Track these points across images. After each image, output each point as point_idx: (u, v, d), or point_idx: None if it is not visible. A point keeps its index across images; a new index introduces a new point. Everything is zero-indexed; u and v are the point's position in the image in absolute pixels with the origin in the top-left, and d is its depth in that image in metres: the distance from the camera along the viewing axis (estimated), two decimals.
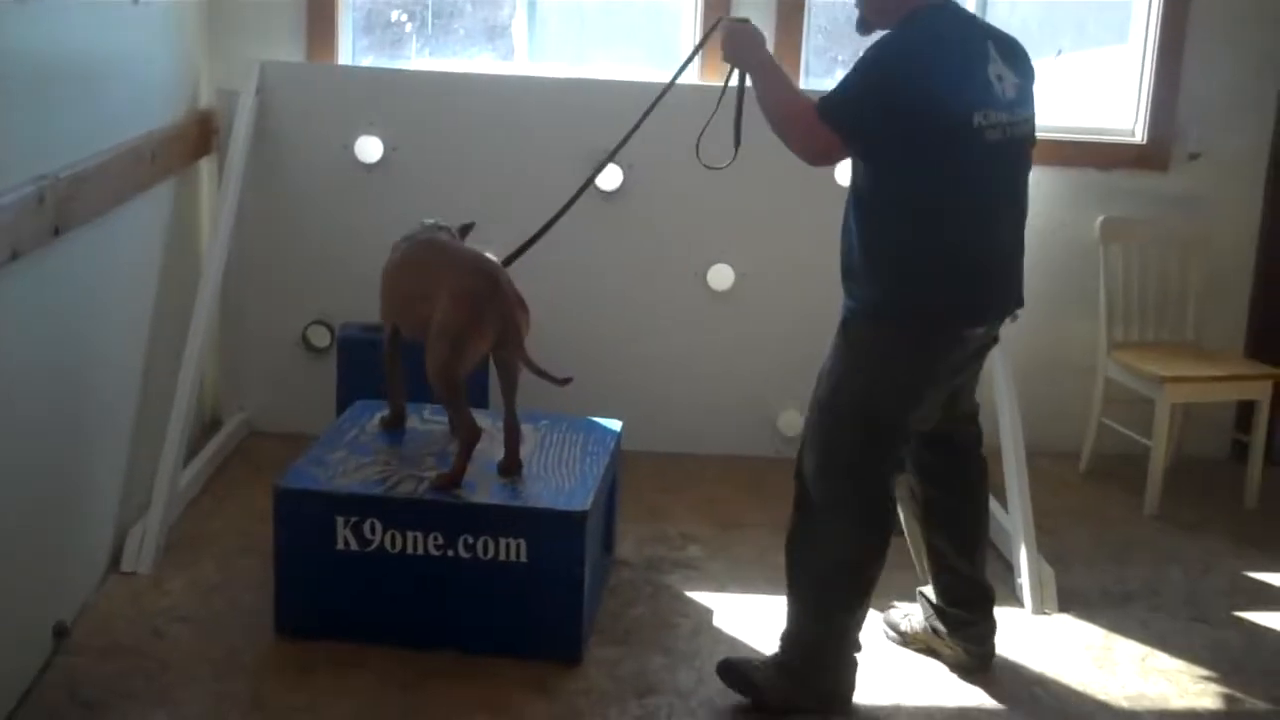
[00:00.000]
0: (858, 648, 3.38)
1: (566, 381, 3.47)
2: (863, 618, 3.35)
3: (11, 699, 3.11)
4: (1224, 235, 5.14)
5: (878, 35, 3.21)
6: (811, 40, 4.98)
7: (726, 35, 3.30)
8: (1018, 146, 3.21)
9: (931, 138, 3.05)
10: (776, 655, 3.38)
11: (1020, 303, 3.34)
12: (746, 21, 3.31)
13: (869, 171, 3.15)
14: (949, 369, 3.29)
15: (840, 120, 3.07)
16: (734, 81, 3.37)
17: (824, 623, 3.32)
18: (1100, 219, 4.93)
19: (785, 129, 3.16)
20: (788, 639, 3.37)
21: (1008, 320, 3.36)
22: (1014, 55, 3.23)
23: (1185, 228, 5.10)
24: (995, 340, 3.39)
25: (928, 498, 3.51)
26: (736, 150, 3.45)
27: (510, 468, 3.59)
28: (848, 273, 3.26)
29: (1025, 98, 3.22)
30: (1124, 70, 5.12)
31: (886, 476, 3.31)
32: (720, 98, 3.43)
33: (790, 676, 3.33)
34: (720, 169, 3.46)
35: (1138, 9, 5.08)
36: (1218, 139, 5.09)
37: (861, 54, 3.15)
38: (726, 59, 3.31)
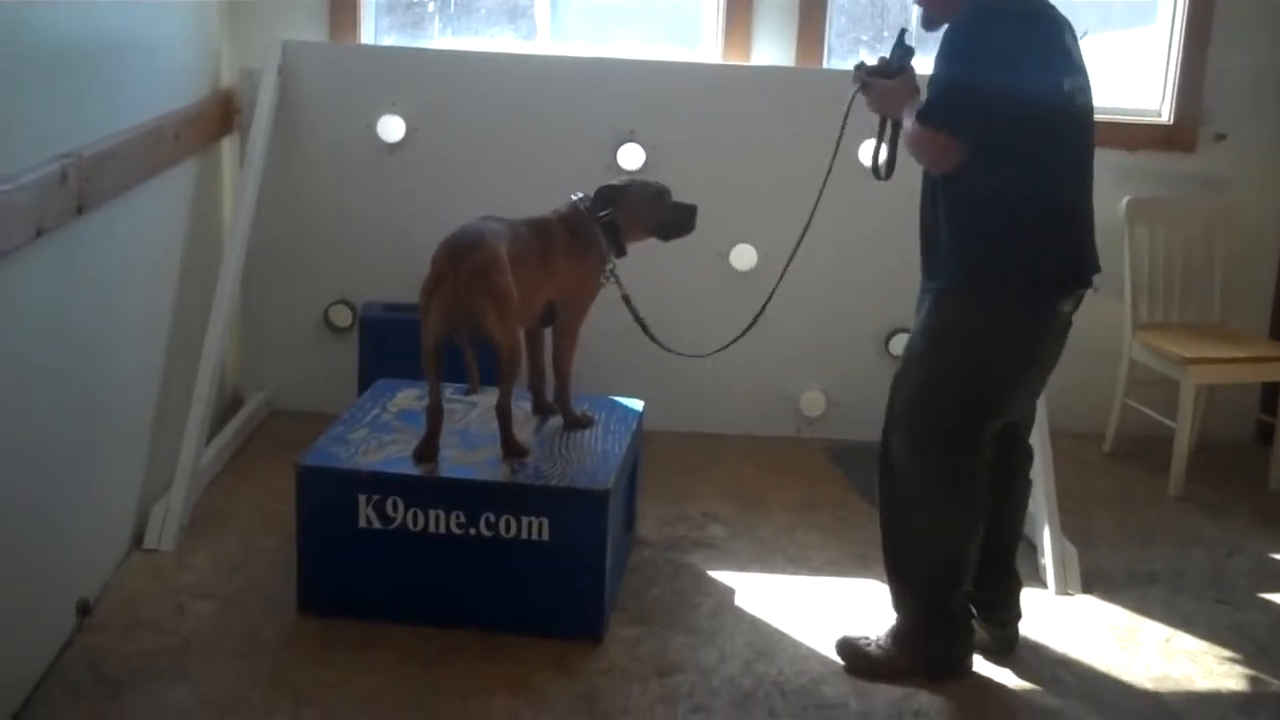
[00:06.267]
0: (969, 614, 3.47)
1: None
2: (966, 587, 3.43)
3: (35, 676, 3.13)
4: (1250, 216, 5.11)
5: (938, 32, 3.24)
6: (834, 23, 4.96)
7: (875, 95, 3.35)
8: (1090, 114, 3.27)
9: (1030, 108, 3.09)
10: (891, 627, 3.46)
11: (1098, 267, 3.33)
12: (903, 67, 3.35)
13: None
14: (1044, 355, 3.32)
15: (943, 121, 3.10)
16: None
17: (932, 600, 3.40)
18: (1126, 200, 4.90)
19: (916, 154, 3.22)
20: (899, 614, 3.45)
21: (1089, 291, 3.34)
22: (1070, 27, 3.27)
23: (1211, 208, 5.07)
24: (1070, 323, 3.38)
25: None
26: (889, 174, 3.43)
27: (505, 453, 3.55)
28: (934, 249, 3.28)
29: (1086, 67, 3.27)
30: (1150, 51, 5.08)
31: (982, 456, 3.34)
32: (846, 114, 3.43)
33: (905, 646, 3.42)
34: (882, 180, 3.45)
35: None
36: (1244, 120, 5.06)
37: (941, 43, 3.15)
38: (875, 110, 3.38)
